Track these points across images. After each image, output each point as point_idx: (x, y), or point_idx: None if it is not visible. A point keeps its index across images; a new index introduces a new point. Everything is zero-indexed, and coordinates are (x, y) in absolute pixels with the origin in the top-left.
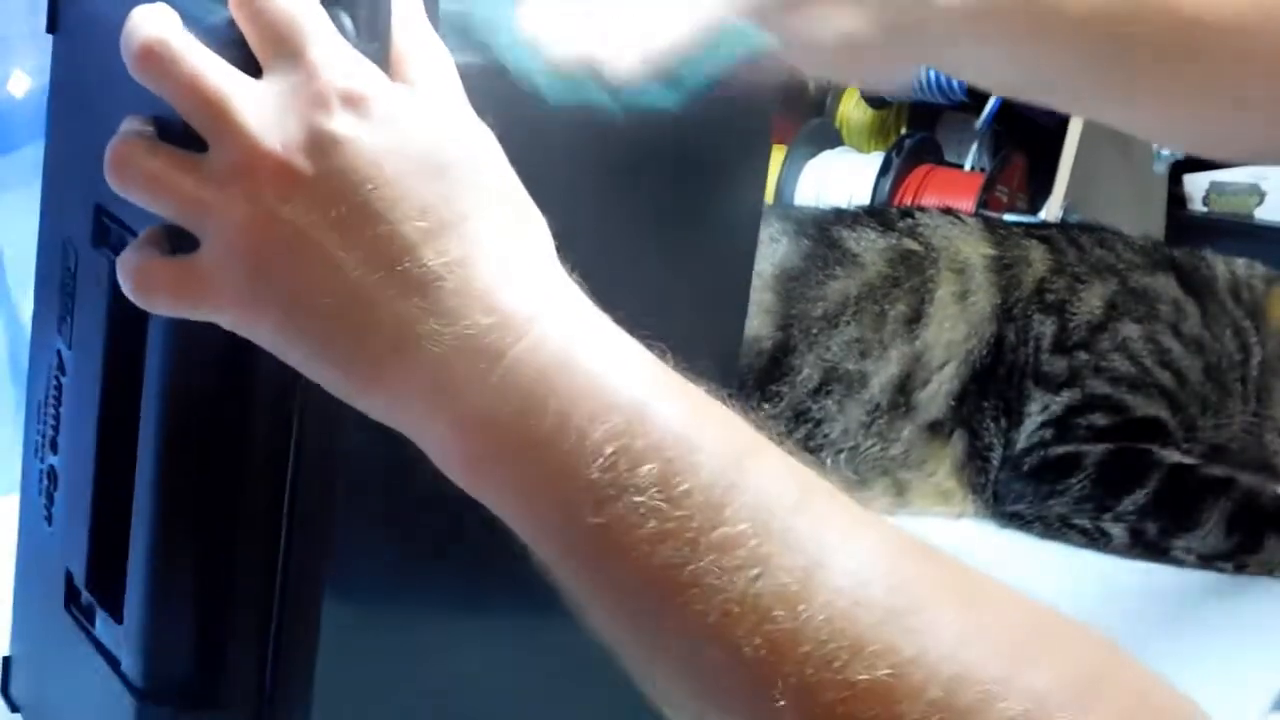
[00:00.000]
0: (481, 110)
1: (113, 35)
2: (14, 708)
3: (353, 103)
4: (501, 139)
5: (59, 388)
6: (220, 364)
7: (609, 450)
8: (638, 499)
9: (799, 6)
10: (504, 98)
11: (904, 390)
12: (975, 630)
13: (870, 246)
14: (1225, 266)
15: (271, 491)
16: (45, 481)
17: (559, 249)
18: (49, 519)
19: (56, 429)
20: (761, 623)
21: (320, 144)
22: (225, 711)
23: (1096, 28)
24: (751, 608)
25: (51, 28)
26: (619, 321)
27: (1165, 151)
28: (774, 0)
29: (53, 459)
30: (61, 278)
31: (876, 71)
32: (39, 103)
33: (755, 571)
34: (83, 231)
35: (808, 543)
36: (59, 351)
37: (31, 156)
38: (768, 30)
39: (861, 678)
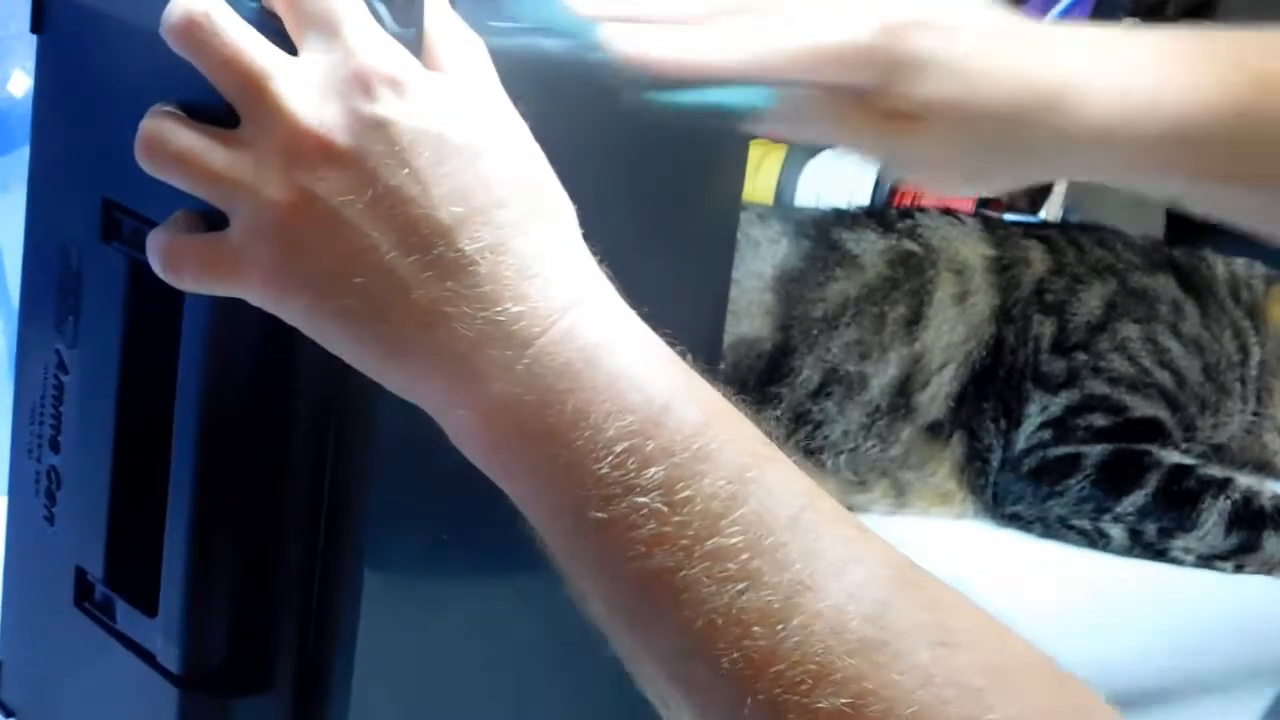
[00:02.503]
0: (515, 98)
1: (111, 30)
2: (8, 712)
3: (392, 86)
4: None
5: (59, 387)
6: (257, 347)
7: (620, 448)
8: (641, 500)
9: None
10: (515, 80)
11: (903, 392)
12: (941, 670)
13: (870, 248)
14: (1225, 266)
15: (310, 472)
16: (45, 482)
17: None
18: (50, 519)
19: (57, 429)
20: (742, 637)
21: (359, 125)
22: (267, 694)
23: None
24: (735, 621)
25: (36, 28)
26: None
27: None
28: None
29: (53, 459)
30: (60, 278)
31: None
32: None
33: (743, 585)
34: (87, 229)
35: (796, 562)
36: (58, 351)
37: None
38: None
39: (822, 705)
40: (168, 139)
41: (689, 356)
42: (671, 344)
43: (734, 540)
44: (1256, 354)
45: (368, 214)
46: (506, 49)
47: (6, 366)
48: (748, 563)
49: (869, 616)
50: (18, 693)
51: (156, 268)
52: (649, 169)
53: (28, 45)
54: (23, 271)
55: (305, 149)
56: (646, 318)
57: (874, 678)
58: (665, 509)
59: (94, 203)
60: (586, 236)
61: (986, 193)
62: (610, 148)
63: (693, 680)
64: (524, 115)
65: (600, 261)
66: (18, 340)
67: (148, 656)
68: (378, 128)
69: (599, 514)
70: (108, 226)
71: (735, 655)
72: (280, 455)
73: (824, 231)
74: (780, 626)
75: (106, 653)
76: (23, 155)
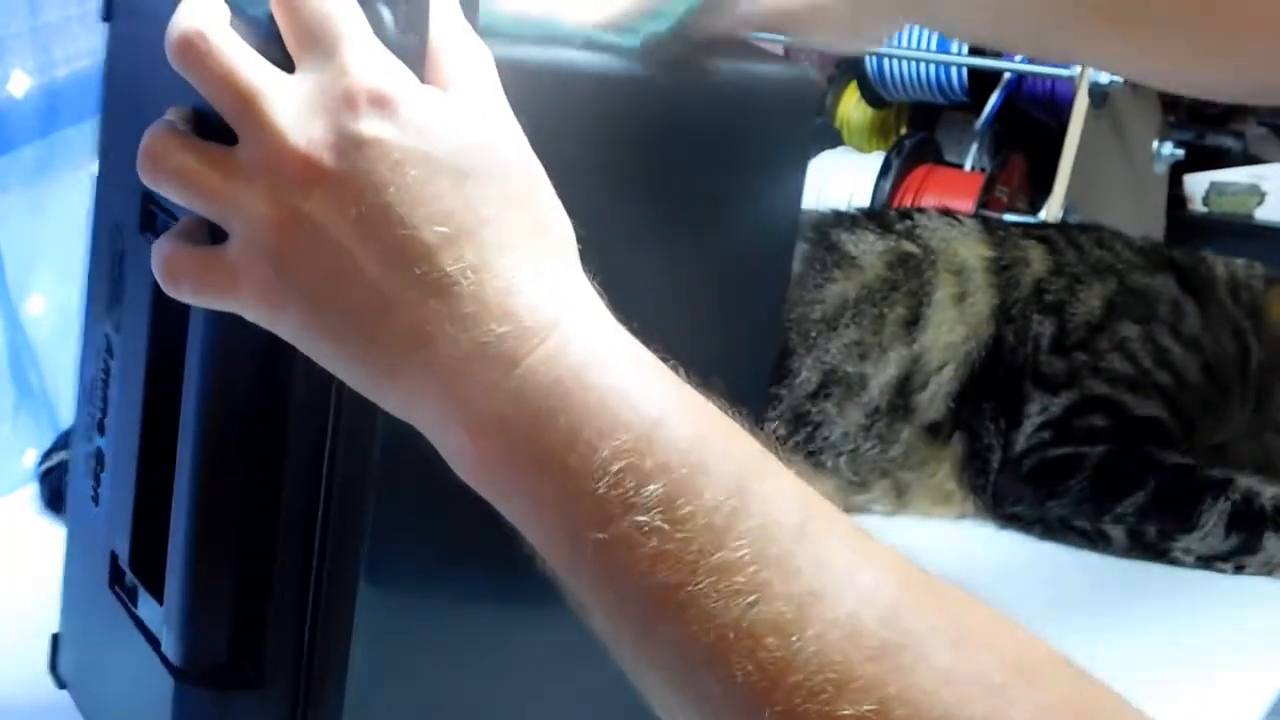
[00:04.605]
0: (516, 109)
1: (159, 25)
2: (61, 684)
3: (380, 104)
4: (533, 138)
5: (107, 371)
6: (259, 350)
7: (616, 468)
8: (641, 518)
9: None
10: (537, 95)
11: (903, 392)
12: (962, 670)
13: (869, 249)
14: (1225, 267)
15: (308, 477)
16: (93, 463)
17: (588, 253)
18: (96, 500)
19: (104, 411)
20: (755, 650)
21: (345, 144)
22: (261, 692)
23: None
24: (746, 634)
25: (106, 16)
26: (641, 329)
27: (1165, 151)
28: None
29: (100, 441)
30: (110, 263)
31: (844, 31)
32: (38, 103)
33: (752, 598)
34: (131, 217)
35: (805, 571)
36: (107, 336)
37: (31, 156)
38: None
39: (846, 712)
40: (166, 156)
41: (681, 370)
42: (664, 360)
43: (740, 553)
44: (1256, 354)
45: (353, 233)
46: (538, 62)
47: (7, 366)
48: (755, 575)
49: (884, 621)
50: (70, 666)
51: (158, 278)
52: (706, 180)
53: (28, 45)
54: (87, 253)
55: (291, 168)
56: (698, 336)
57: (896, 682)
58: (666, 526)
59: (137, 193)
60: (634, 251)
61: (842, 47)
62: (659, 157)
63: (705, 694)
64: (565, 131)
65: (650, 275)
66: (82, 322)
67: (157, 644)
68: (364, 147)
69: (599, 534)
70: (145, 217)
71: (749, 668)
72: (279, 460)
73: (823, 233)
74: (795, 637)
75: (130, 637)
76: (22, 155)
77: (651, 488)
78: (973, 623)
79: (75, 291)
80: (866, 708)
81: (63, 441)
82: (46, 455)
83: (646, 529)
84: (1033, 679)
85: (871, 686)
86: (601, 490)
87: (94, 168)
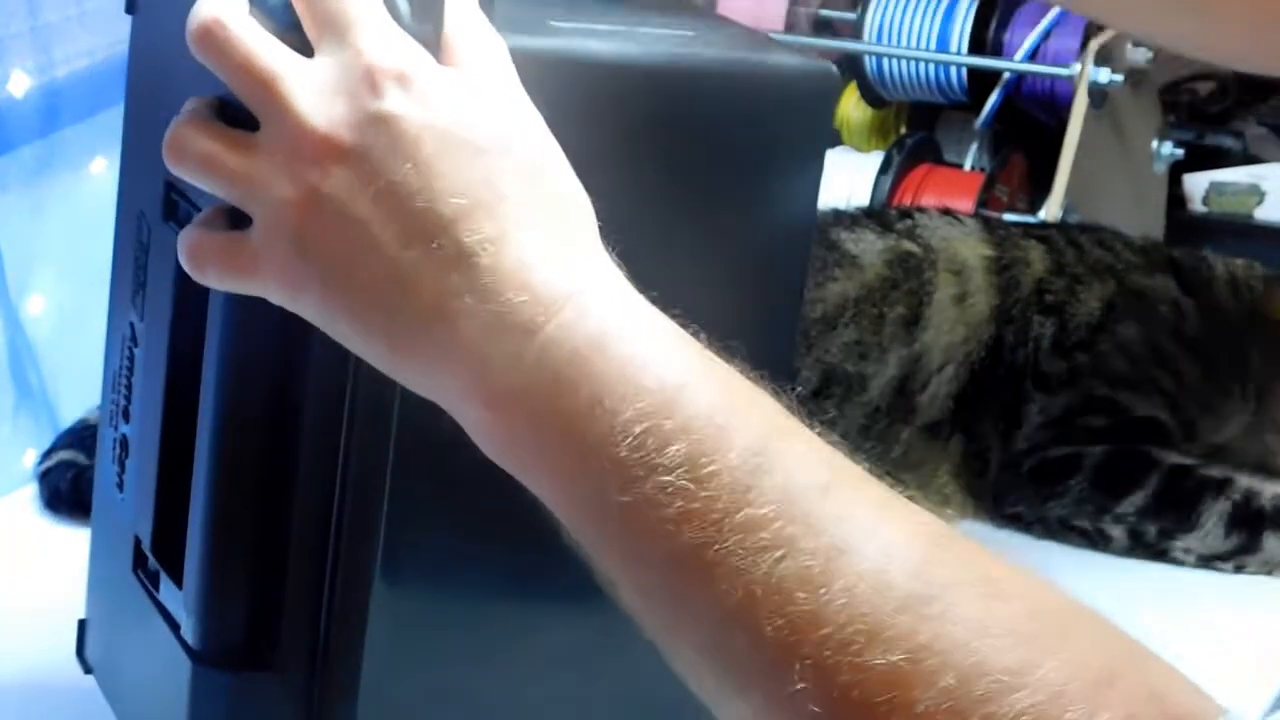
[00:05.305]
0: (535, 99)
1: (181, 16)
2: (87, 669)
3: (399, 81)
4: (553, 124)
5: (131, 358)
6: (277, 336)
7: (638, 430)
8: (665, 479)
9: None
10: (556, 83)
11: (903, 392)
12: (994, 620)
13: (869, 248)
14: (1225, 267)
15: (325, 463)
16: (118, 450)
17: (609, 232)
18: (120, 486)
19: (129, 398)
20: (784, 604)
21: (362, 121)
22: (277, 676)
23: None
24: (775, 589)
25: (130, 8)
26: (658, 300)
27: (1165, 151)
28: None
29: (125, 428)
30: (135, 251)
31: None
32: (38, 103)
33: (779, 553)
34: (154, 206)
35: (832, 525)
36: (132, 324)
37: (31, 156)
38: None
39: (877, 662)
40: (189, 142)
41: (701, 335)
42: (685, 326)
43: (765, 510)
44: (1256, 354)
45: (373, 209)
46: (558, 52)
47: (7, 366)
48: (781, 530)
49: (913, 573)
50: (97, 652)
51: (183, 263)
52: (725, 165)
53: (27, 45)
54: (114, 241)
55: (312, 148)
56: (720, 319)
57: (926, 631)
58: (691, 485)
59: (160, 182)
60: (657, 234)
61: None
62: (680, 144)
63: (733, 652)
64: (585, 122)
65: (672, 257)
66: (108, 308)
67: (177, 628)
68: (382, 123)
69: (623, 497)
70: (167, 206)
71: (780, 622)
72: (296, 446)
73: (823, 232)
74: (823, 590)
75: (151, 621)
76: (22, 155)
77: (674, 448)
78: (1002, 575)
79: (75, 291)
80: (897, 658)
81: (63, 441)
82: (46, 455)
83: (671, 489)
84: (1064, 630)
85: (902, 637)
86: (623, 453)
87: (94, 167)
